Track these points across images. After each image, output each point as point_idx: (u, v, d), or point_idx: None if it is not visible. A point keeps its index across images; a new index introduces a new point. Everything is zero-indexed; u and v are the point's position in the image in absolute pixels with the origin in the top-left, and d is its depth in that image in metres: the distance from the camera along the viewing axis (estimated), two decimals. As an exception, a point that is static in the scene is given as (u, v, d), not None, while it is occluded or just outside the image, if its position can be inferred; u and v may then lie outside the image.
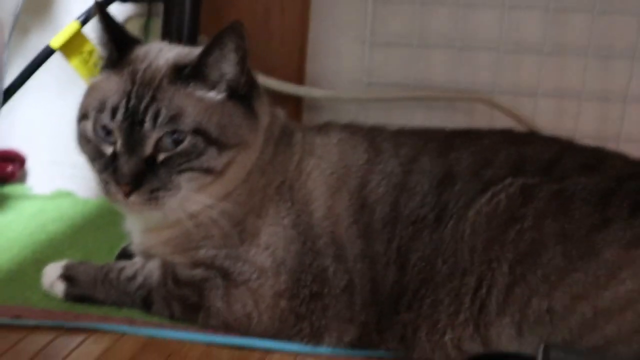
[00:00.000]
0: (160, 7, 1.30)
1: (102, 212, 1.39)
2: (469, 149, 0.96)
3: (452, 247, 0.89)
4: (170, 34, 1.21)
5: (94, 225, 1.35)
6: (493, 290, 0.85)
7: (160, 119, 0.85)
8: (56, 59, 1.25)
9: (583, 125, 1.40)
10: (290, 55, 1.43)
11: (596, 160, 0.95)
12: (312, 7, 1.44)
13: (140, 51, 0.93)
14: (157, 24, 1.36)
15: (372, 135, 1.00)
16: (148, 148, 0.85)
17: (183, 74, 0.89)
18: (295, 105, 1.42)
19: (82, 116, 0.90)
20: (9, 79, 1.30)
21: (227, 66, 0.89)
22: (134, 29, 1.37)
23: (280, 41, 1.42)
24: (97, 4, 0.94)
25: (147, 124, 0.84)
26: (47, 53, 1.26)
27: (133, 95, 0.86)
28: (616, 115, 1.39)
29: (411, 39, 1.41)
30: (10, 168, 1.50)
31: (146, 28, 1.40)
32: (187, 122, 0.86)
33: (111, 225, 1.22)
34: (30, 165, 1.52)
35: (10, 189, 1.48)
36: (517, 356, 0.83)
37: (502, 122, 1.34)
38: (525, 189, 0.87)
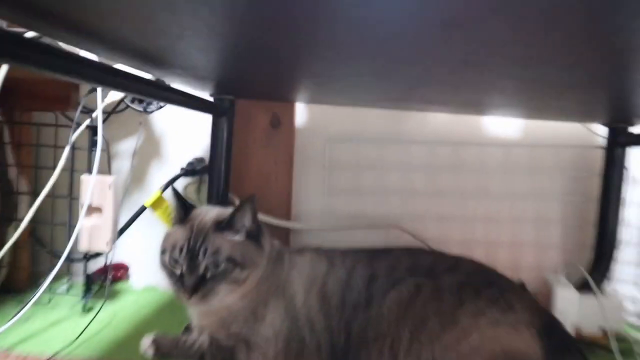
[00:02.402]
0: (206, 178, 1.58)
1: (175, 302, 1.47)
2: (385, 260, 1.16)
3: (376, 320, 1.07)
4: (212, 193, 1.46)
5: (170, 310, 1.55)
6: (401, 346, 1.04)
7: (207, 254, 1.03)
8: (147, 212, 1.57)
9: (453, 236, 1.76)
10: (282, 203, 1.73)
11: (456, 263, 1.16)
12: (294, 174, 1.75)
13: (195, 212, 1.12)
14: (204, 188, 1.68)
15: (329, 254, 1.21)
16: (200, 270, 1.03)
17: (220, 226, 1.07)
18: (285, 232, 1.72)
19: (162, 251, 1.08)
20: (121, 222, 1.55)
21: (246, 220, 1.08)
22: (191, 190, 1.74)
23: (276, 195, 1.72)
24: (172, 188, 1.17)
25: (200, 257, 1.03)
26: (142, 208, 1.56)
27: (192, 240, 1.05)
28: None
29: (352, 192, 1.76)
30: (120, 273, 1.76)
31: (198, 190, 1.74)
32: (223, 255, 1.04)
33: (180, 310, 1.27)
34: (131, 271, 1.80)
35: (120, 285, 1.74)
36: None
37: (406, 238, 1.72)
38: (416, 284, 1.09)
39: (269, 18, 0.63)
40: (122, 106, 1.67)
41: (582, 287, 1.50)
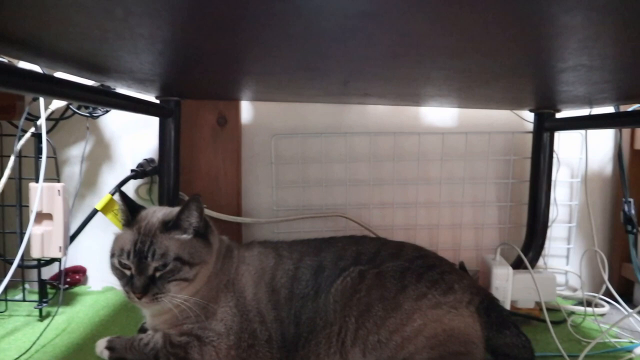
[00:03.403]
0: (157, 178, 1.51)
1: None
2: (330, 250, 1.15)
3: (324, 310, 1.06)
4: (163, 193, 1.43)
5: (128, 309, 1.49)
6: (348, 333, 1.02)
7: (155, 255, 1.01)
8: (101, 215, 1.48)
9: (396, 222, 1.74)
10: (231, 199, 1.67)
11: (398, 250, 1.15)
12: (243, 170, 1.71)
13: (142, 214, 1.09)
14: (156, 188, 1.59)
15: (277, 247, 1.19)
16: (150, 271, 1.01)
17: (168, 226, 1.05)
18: (237, 226, 1.69)
19: (112, 255, 1.06)
20: (74, 227, 1.51)
21: (193, 219, 1.06)
22: (143, 191, 1.69)
23: (226, 191, 1.67)
24: (120, 191, 1.12)
25: (149, 258, 1.01)
26: (94, 212, 1.47)
27: (139, 242, 1.03)
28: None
29: (299, 184, 1.73)
30: (77, 276, 1.69)
31: (150, 190, 1.69)
32: (171, 254, 1.02)
33: (136, 310, 1.22)
34: (89, 273, 1.74)
35: (77, 289, 1.69)
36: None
37: (353, 226, 1.69)
38: (361, 272, 1.07)
39: (196, 18, 0.58)
40: (69, 112, 1.58)
41: (517, 264, 1.50)
